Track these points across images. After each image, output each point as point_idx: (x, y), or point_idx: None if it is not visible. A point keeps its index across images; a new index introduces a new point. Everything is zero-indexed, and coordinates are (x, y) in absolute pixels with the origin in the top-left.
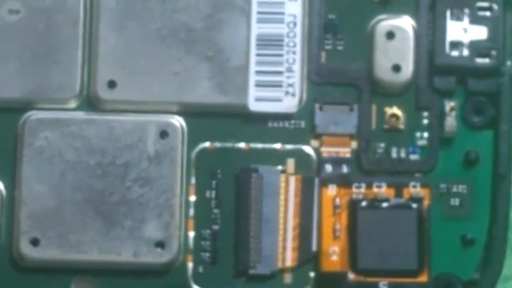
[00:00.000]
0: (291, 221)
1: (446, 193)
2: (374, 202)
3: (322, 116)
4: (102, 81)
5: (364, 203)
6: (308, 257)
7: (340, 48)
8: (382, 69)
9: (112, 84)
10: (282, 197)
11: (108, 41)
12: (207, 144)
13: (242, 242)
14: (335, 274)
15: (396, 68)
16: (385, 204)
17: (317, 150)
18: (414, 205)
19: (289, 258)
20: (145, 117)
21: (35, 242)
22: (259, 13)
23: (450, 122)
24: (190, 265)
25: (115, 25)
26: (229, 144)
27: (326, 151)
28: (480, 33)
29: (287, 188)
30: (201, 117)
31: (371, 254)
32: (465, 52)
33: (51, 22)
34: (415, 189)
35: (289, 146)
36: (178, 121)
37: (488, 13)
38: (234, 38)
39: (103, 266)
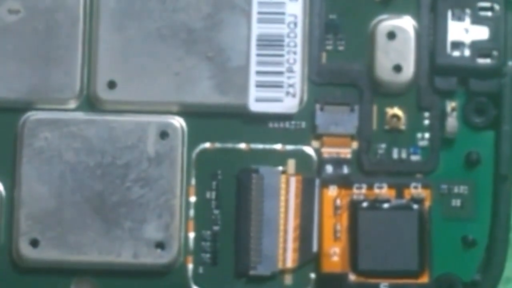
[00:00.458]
0: (292, 222)
1: (448, 194)
2: (375, 203)
3: (323, 117)
4: (102, 81)
5: (365, 204)
6: (309, 258)
7: (341, 48)
8: (383, 70)
9: (112, 84)
10: (282, 198)
11: (108, 41)
12: (207, 144)
13: (242, 243)
14: (336, 275)
15: (397, 69)
16: (386, 205)
17: (317, 151)
18: (415, 206)
19: (290, 259)
20: (145, 117)
21: (34, 243)
22: (259, 13)
23: (452, 122)
24: (190, 266)
25: (115, 25)
26: (229, 145)
27: (326, 151)
28: (482, 33)
29: (288, 189)
30: (201, 118)
31: (372, 255)
32: (467, 52)
33: (51, 22)
34: (416, 190)
35: (289, 147)
36: (178, 122)
37: (489, 13)
38: (235, 38)
39: (103, 267)
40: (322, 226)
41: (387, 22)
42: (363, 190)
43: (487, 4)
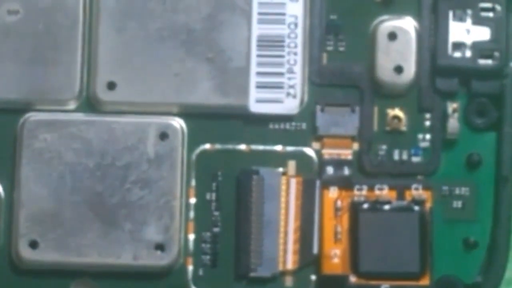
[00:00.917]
0: (292, 224)
1: (449, 195)
2: (376, 205)
3: (324, 118)
4: (101, 82)
5: (365, 206)
6: (309, 260)
7: (341, 49)
8: (384, 70)
9: (111, 85)
10: (283, 199)
11: (108, 42)
12: (207, 145)
13: (242, 245)
14: (337, 277)
15: (398, 70)
16: (387, 207)
17: (318, 152)
18: (416, 208)
19: (290, 261)
20: (145, 118)
21: (34, 245)
22: (260, 14)
23: (453, 124)
24: (190, 268)
25: (115, 25)
26: (229, 146)
27: (327, 153)
28: (483, 34)
29: (288, 190)
30: (201, 119)
31: (372, 257)
32: (468, 53)
33: (50, 23)
34: (417, 191)
35: (290, 148)
36: (178, 123)
37: (491, 14)
38: (235, 39)
39: (103, 269)
40: (322, 227)
41: (388, 23)
42: (364, 192)
43: (489, 5)
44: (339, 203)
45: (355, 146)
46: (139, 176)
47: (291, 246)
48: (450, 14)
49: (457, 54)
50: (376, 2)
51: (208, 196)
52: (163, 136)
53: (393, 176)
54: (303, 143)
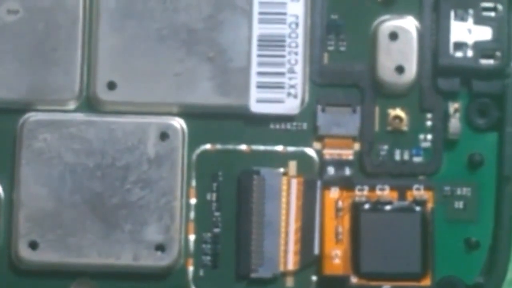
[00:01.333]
0: (293, 224)
1: (450, 195)
2: (377, 205)
3: (325, 118)
4: (101, 82)
5: (367, 206)
6: (310, 260)
7: (342, 49)
8: (385, 70)
9: (111, 85)
10: (284, 199)
11: (108, 42)
12: (208, 146)
13: (243, 245)
14: (338, 278)
15: (400, 69)
16: (388, 207)
17: (319, 152)
18: (418, 208)
19: (291, 262)
20: (145, 118)
21: (33, 245)
22: (260, 13)
23: (454, 124)
24: (190, 268)
25: (115, 25)
26: (230, 146)
27: (328, 153)
28: (485, 33)
29: (289, 190)
30: (202, 119)
31: (374, 258)
32: (469, 53)
33: (50, 22)
34: (418, 191)
35: (291, 148)
36: (178, 123)
37: (492, 14)
38: (235, 39)
39: (103, 270)
40: (323, 228)
41: (389, 23)
42: (365, 192)
43: (490, 5)
44: (340, 203)
45: (356, 146)
46: (140, 177)
47: (292, 246)
48: (452, 13)
49: (459, 54)
50: (377, 2)
51: (208, 197)
52: (164, 136)
53: (394, 176)
54: (304, 143)
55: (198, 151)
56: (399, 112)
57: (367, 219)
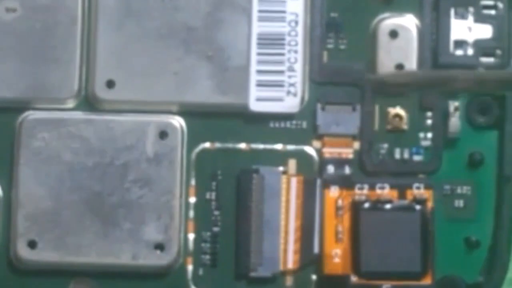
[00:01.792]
0: (293, 223)
1: (450, 194)
2: (377, 204)
3: (324, 116)
4: (100, 81)
5: (366, 205)
6: (310, 259)
7: (342, 47)
8: (385, 69)
9: (110, 84)
10: (283, 198)
11: (107, 40)
12: (207, 144)
13: (243, 244)
14: (338, 277)
15: (400, 68)
16: (388, 206)
17: (319, 151)
18: (418, 207)
19: (291, 261)
20: (144, 117)
21: (32, 244)
22: (260, 11)
23: (454, 122)
24: (190, 267)
25: (113, 24)
26: (229, 145)
27: (328, 152)
28: (485, 32)
29: (289, 189)
30: (201, 117)
31: (374, 257)
32: (470, 51)
33: (48, 21)
34: (418, 190)
35: (290, 147)
36: (177, 122)
37: (492, 12)
38: (235, 37)
39: (102, 269)
40: (323, 227)
41: (389, 21)
42: (365, 191)
43: (491, 2)
44: (340, 202)
45: (356, 145)
46: (139, 175)
47: (292, 245)
48: (452, 11)
49: (459, 52)
50: (377, 0)
51: (208, 195)
52: (163, 135)
53: (394, 175)
54: (303, 141)
55: (197, 149)
56: (399, 110)
57: (367, 218)
